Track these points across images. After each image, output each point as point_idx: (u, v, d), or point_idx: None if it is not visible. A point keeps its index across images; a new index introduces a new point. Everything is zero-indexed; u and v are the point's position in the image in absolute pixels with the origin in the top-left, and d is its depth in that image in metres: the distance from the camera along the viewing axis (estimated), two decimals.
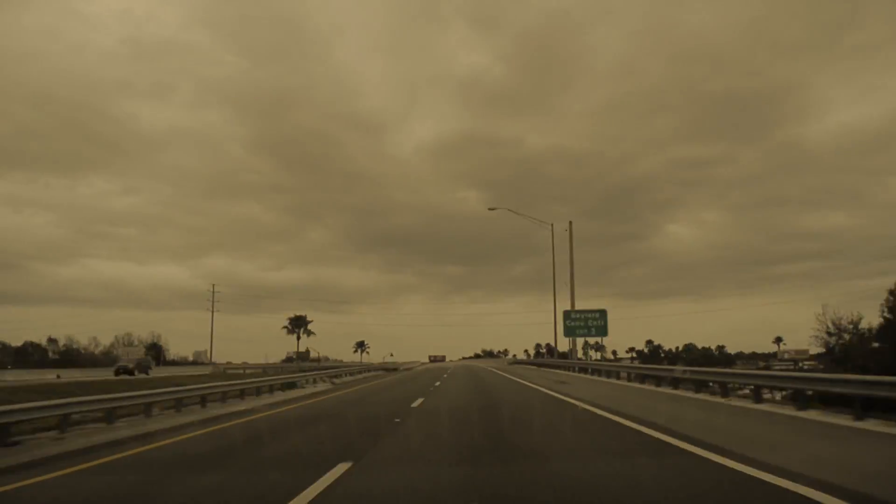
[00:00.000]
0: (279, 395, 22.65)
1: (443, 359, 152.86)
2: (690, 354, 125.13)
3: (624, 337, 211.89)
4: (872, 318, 31.08)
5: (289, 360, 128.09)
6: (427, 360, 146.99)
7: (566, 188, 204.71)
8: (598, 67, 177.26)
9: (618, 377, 25.47)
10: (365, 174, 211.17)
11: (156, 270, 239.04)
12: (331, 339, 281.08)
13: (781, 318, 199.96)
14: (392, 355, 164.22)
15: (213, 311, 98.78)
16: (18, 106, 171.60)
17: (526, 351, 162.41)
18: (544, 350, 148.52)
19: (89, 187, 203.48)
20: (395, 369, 69.65)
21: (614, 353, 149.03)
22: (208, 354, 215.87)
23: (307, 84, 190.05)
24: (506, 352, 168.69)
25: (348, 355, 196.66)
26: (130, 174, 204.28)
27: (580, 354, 43.85)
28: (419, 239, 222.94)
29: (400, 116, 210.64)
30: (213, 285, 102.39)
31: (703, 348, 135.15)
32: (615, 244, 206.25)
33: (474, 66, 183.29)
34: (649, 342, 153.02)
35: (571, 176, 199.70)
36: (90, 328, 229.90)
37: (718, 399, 15.02)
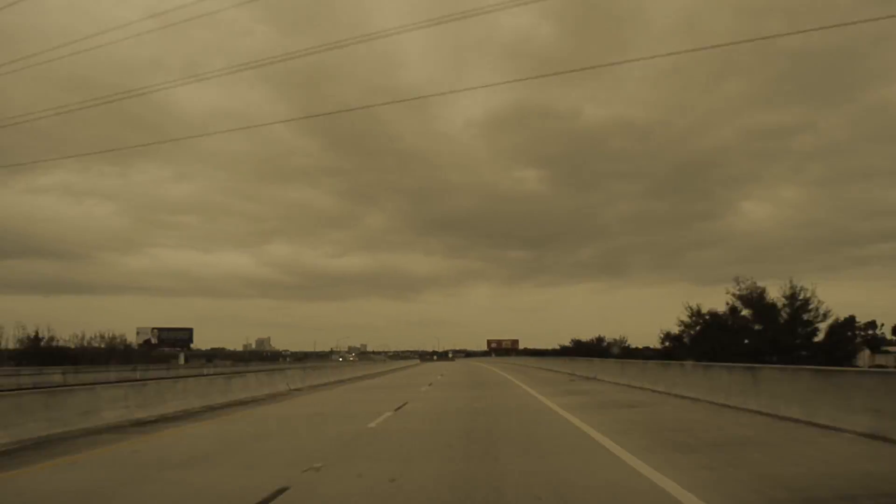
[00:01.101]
0: None
1: (513, 346, 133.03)
2: None
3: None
4: None
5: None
6: (486, 348, 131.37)
7: (630, 164, 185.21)
8: (657, 24, 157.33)
9: None
10: (416, 153, 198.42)
11: (221, 259, 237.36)
12: (397, 326, 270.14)
13: (872, 303, 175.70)
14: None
15: None
16: (57, 90, 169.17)
17: (669, 333, 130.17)
18: None
19: (142, 174, 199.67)
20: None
21: None
22: (271, 342, 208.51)
23: (343, 55, 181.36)
24: None
25: (415, 343, 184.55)
26: (180, 160, 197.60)
27: None
28: (480, 222, 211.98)
29: (446, 89, 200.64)
30: None
31: None
32: (686, 224, 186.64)
33: (519, 27, 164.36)
34: None
35: (635, 150, 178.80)
36: (167, 318, 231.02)
37: None
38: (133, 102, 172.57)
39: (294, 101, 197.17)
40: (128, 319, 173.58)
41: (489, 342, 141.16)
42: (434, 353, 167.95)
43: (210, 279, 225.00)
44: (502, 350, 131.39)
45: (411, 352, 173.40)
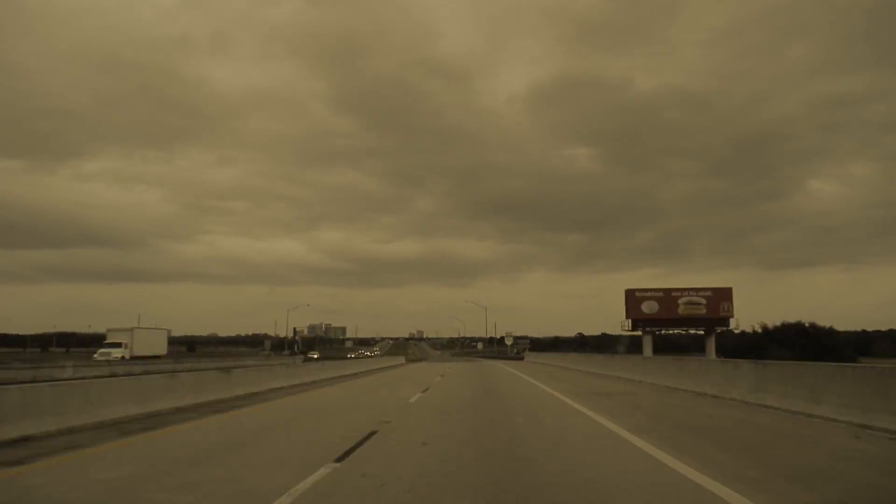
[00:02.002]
0: None
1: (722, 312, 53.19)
2: None
3: (761, 312, 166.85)
4: None
5: None
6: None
7: (687, 138, 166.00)
8: None
9: None
10: (459, 131, 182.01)
11: (273, 245, 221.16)
12: (454, 313, 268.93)
13: None
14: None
15: None
16: (90, 72, 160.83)
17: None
18: None
19: (186, 159, 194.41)
20: None
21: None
22: (322, 328, 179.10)
23: (376, 25, 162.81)
24: None
25: (471, 330, 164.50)
26: (221, 143, 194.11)
27: None
28: (532, 205, 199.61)
29: (486, 60, 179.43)
30: None
31: None
32: (748, 205, 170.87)
33: None
34: None
35: (692, 123, 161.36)
36: (226, 306, 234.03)
37: None
38: (168, 82, 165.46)
39: (329, 77, 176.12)
40: (187, 307, 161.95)
41: (632, 298, 54.05)
42: (478, 340, 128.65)
43: (265, 266, 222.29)
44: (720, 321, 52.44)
45: (470, 339, 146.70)
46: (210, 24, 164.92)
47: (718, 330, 53.41)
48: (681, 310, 52.79)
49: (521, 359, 56.45)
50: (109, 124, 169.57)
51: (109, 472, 5.88)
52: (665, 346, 59.77)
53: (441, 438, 7.73)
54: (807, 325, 48.75)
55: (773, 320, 54.21)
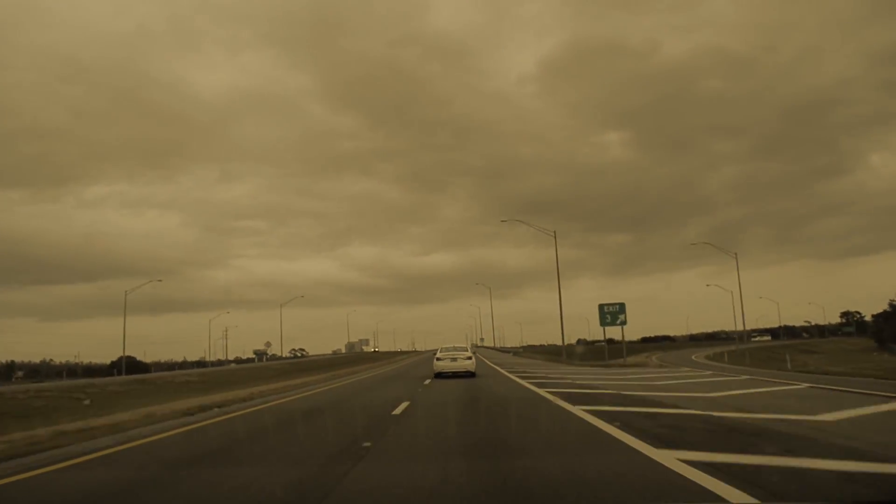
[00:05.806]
0: None
1: None
2: None
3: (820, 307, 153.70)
4: None
5: None
6: None
7: (729, 111, 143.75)
8: None
9: None
10: (473, 123, 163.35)
11: (306, 266, 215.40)
12: (505, 326, 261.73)
13: None
14: None
15: None
16: (57, 81, 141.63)
17: None
18: None
19: (188, 176, 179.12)
20: None
21: None
22: (371, 344, 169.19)
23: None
24: None
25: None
26: (218, 155, 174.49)
27: None
28: (566, 203, 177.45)
29: (485, 32, 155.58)
30: None
31: None
32: (802, 186, 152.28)
33: None
34: None
35: (734, 92, 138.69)
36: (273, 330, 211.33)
37: None
38: (147, 89, 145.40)
39: (311, 64, 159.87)
40: (239, 335, 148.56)
41: None
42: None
43: (302, 288, 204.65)
44: None
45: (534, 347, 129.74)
46: (166, 8, 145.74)
47: None
48: None
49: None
50: (100, 143, 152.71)
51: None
52: None
53: None
54: None
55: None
